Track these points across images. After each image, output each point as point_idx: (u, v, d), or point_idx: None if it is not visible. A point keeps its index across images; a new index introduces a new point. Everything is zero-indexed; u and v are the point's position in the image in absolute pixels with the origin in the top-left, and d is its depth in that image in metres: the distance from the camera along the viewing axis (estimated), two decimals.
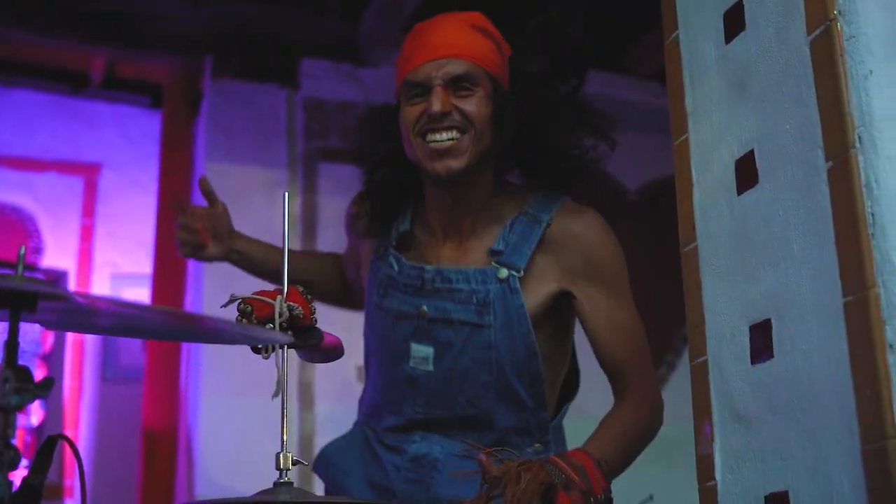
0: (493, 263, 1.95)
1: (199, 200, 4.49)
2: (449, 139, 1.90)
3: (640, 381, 2.06)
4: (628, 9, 4.94)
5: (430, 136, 1.91)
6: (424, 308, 1.98)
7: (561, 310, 2.00)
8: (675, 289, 5.13)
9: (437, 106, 1.88)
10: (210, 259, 2.25)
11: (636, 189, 5.05)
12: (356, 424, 2.16)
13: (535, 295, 1.95)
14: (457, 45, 1.97)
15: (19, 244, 3.67)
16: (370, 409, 2.10)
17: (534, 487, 1.56)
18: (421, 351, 1.97)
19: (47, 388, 1.05)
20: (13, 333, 1.05)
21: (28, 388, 1.03)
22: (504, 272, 1.93)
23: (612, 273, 2.03)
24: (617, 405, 2.05)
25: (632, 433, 2.03)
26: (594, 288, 1.99)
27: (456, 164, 1.90)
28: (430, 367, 1.96)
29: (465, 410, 1.95)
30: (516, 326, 1.92)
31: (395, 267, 2.03)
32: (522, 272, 1.94)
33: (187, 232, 2.20)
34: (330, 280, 2.36)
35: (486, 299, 1.93)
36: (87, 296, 1.05)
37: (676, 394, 4.76)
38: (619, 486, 4.71)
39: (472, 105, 1.92)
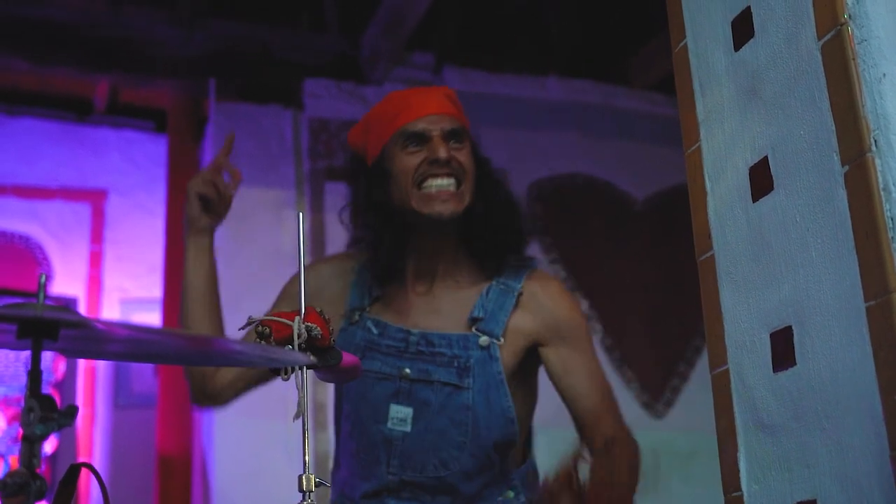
0: (473, 330, 2.05)
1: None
2: (449, 185, 2.01)
3: (619, 430, 2.12)
4: (628, 19, 4.96)
5: (432, 181, 2.01)
6: (407, 370, 2.04)
7: (528, 366, 2.10)
8: (684, 299, 5.17)
9: (442, 153, 2.00)
10: (203, 226, 2.13)
11: (644, 199, 5.05)
12: (336, 481, 2.16)
13: (509, 354, 2.04)
14: (444, 105, 2.10)
15: (29, 272, 3.67)
16: (344, 480, 2.12)
17: None
18: (400, 412, 2.03)
19: (71, 417, 1.04)
20: (35, 362, 1.04)
21: (52, 417, 1.02)
22: (485, 340, 2.03)
23: (579, 332, 2.12)
24: (609, 455, 1.97)
25: (628, 495, 1.97)
26: (566, 347, 2.08)
27: (456, 207, 2.02)
28: (408, 428, 2.02)
29: (437, 472, 2.00)
30: (494, 392, 2.01)
31: (376, 330, 2.09)
32: (502, 340, 2.04)
33: (211, 186, 2.12)
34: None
35: (466, 364, 2.02)
36: (106, 322, 1.05)
37: (689, 405, 4.78)
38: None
39: (465, 157, 2.06)
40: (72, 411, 1.04)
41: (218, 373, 2.14)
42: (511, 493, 2.05)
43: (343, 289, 2.17)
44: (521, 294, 2.08)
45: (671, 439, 4.68)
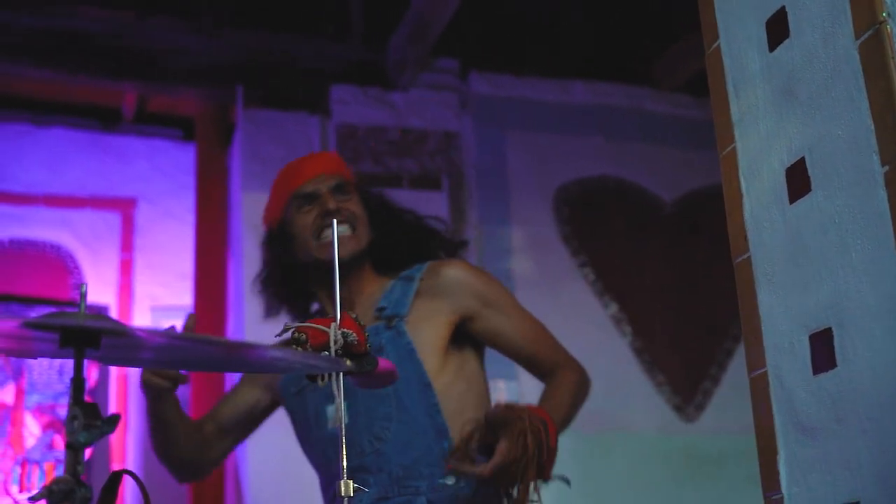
0: (380, 320, 2.25)
1: (236, 230, 4.50)
2: (345, 231, 2.29)
3: (561, 357, 2.33)
4: (653, 21, 4.94)
5: (328, 232, 2.28)
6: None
7: (460, 343, 2.29)
8: (715, 301, 5.13)
9: (332, 204, 2.29)
10: (151, 386, 2.24)
11: (672, 202, 5.03)
12: None
13: (427, 335, 2.23)
14: (328, 166, 2.42)
15: (61, 281, 3.70)
16: (321, 484, 2.32)
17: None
18: (333, 410, 2.21)
19: (114, 424, 1.05)
20: (78, 371, 1.05)
21: (96, 425, 1.03)
22: (391, 321, 2.24)
23: (495, 293, 2.32)
24: (554, 377, 2.30)
25: (576, 395, 2.31)
26: (491, 311, 2.28)
27: (355, 248, 2.29)
28: (347, 420, 2.18)
29: (374, 446, 2.16)
30: (407, 362, 2.18)
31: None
32: (406, 315, 2.24)
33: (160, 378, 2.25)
34: (190, 441, 2.38)
35: (379, 345, 2.19)
36: (146, 330, 1.05)
37: (721, 408, 4.76)
38: (660, 498, 4.65)
39: (354, 206, 2.35)
40: (115, 419, 1.05)
41: (212, 447, 2.38)
42: (452, 478, 2.15)
43: None
44: (421, 280, 2.29)
45: (702, 442, 4.66)
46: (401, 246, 2.42)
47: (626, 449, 4.62)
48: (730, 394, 4.70)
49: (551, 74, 5.05)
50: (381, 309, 2.28)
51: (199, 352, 1.22)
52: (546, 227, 4.78)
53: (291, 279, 2.40)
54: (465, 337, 2.30)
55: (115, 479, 1.18)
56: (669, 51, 5.07)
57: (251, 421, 2.45)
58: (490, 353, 2.40)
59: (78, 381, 1.04)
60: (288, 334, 1.46)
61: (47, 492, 1.01)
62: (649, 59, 5.17)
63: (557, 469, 4.46)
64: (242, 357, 1.37)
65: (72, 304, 5.07)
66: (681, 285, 4.88)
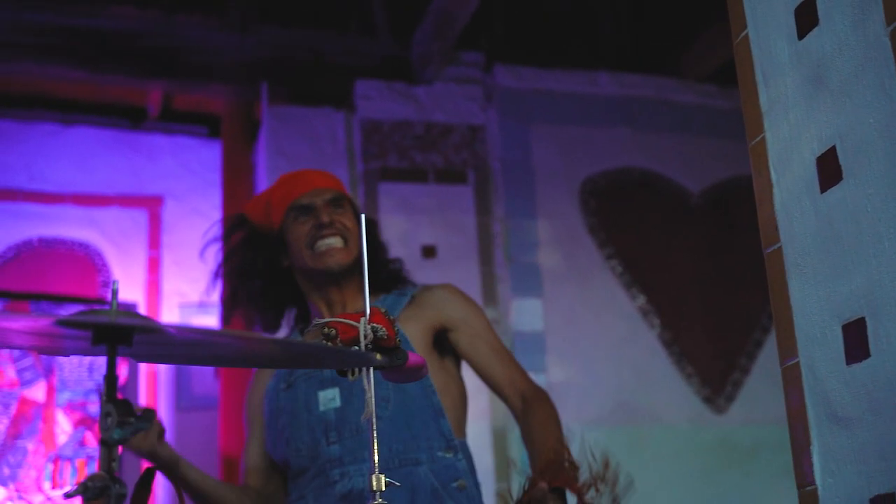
0: None
1: None
2: (336, 242, 2.40)
3: (530, 386, 2.39)
4: (681, 11, 4.92)
5: (321, 242, 2.40)
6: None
7: (437, 351, 2.42)
8: (743, 292, 5.10)
9: (326, 217, 2.41)
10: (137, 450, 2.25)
11: (700, 193, 5.00)
12: None
13: (416, 330, 2.36)
14: (325, 181, 2.54)
15: (89, 279, 3.72)
16: (295, 478, 2.35)
17: None
18: (328, 394, 2.33)
19: (149, 421, 1.05)
20: (111, 368, 1.05)
21: (130, 422, 1.03)
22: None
23: (476, 316, 2.46)
24: (532, 416, 2.31)
25: (558, 428, 2.31)
26: (470, 329, 2.42)
27: (344, 258, 2.39)
28: (339, 403, 2.32)
29: (370, 426, 2.16)
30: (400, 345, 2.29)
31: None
32: (397, 317, 2.34)
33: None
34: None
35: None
36: (177, 327, 1.06)
37: (750, 398, 4.73)
38: (691, 490, 4.63)
39: (347, 219, 2.45)
40: (149, 415, 1.05)
41: (272, 495, 2.44)
42: (451, 453, 2.30)
43: (266, 378, 2.49)
44: (413, 296, 2.45)
45: (733, 433, 4.64)
46: (384, 267, 2.57)
47: (656, 441, 4.60)
48: (760, 385, 4.67)
49: (577, 66, 5.03)
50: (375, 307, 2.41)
51: (229, 348, 1.22)
52: (572, 220, 4.77)
53: (279, 284, 2.51)
54: (445, 347, 2.44)
55: (149, 475, 1.19)
56: (697, 41, 5.04)
57: None
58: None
59: (111, 378, 1.05)
60: (318, 329, 1.46)
61: (83, 488, 1.01)
62: (677, 49, 5.14)
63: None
64: (273, 352, 1.37)
65: (101, 301, 5.10)
66: (709, 276, 4.85)
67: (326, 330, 1.44)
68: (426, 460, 2.26)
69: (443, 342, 2.43)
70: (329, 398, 2.32)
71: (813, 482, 1.40)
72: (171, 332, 1.10)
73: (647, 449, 4.57)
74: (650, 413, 4.61)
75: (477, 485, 2.35)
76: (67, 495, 1.03)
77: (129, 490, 1.20)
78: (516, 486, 2.00)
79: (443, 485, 2.25)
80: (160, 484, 4.70)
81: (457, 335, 2.42)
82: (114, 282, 1.04)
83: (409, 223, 4.53)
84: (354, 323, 1.44)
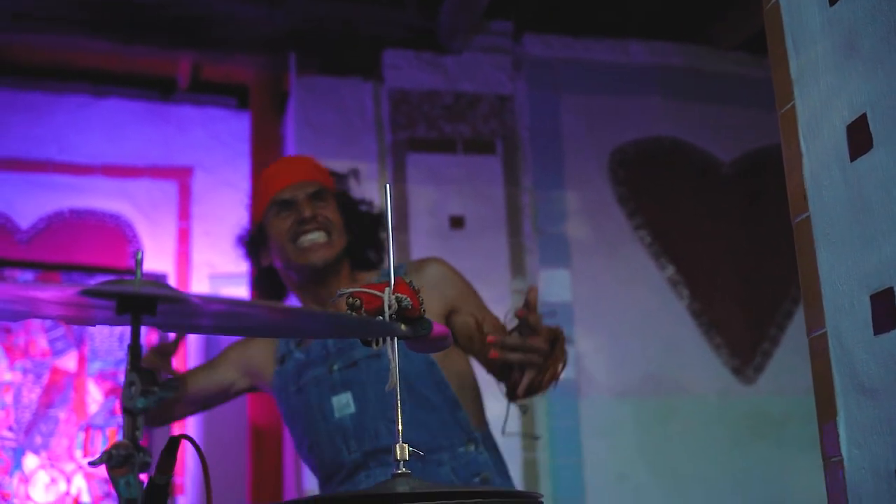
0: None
1: None
2: (319, 237, 2.38)
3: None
4: None
5: (303, 238, 2.38)
6: (335, 366, 2.35)
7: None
8: (773, 262, 5.07)
9: (307, 211, 2.38)
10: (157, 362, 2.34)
11: (730, 162, 4.96)
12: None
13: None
14: (307, 172, 2.50)
15: (120, 250, 3.74)
16: (319, 477, 2.39)
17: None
18: (341, 399, 2.31)
19: (172, 389, 1.06)
20: (135, 337, 1.06)
21: (153, 391, 1.04)
22: None
23: (472, 292, 2.42)
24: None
25: None
26: (469, 306, 2.38)
27: (328, 253, 2.38)
28: (353, 409, 2.30)
29: (390, 429, 2.25)
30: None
31: (301, 354, 2.41)
32: None
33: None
34: (222, 392, 2.51)
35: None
36: (202, 297, 1.06)
37: (780, 368, 4.70)
38: (721, 462, 4.63)
39: (330, 212, 2.44)
40: (172, 384, 1.06)
41: (173, 409, 2.47)
42: (472, 446, 2.29)
43: (269, 350, 2.48)
44: (405, 276, 2.41)
45: (762, 404, 4.62)
46: (375, 245, 2.56)
47: (685, 412, 4.59)
48: (789, 355, 4.65)
49: (608, 35, 4.99)
50: None
51: (257, 318, 1.23)
52: (601, 190, 4.75)
53: (269, 279, 2.53)
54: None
55: (174, 443, 1.19)
56: (729, 8, 4.98)
57: (221, 398, 2.52)
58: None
59: (135, 348, 1.06)
60: (342, 299, 1.46)
61: (107, 456, 1.02)
62: (709, 17, 5.08)
63: (619, 432, 4.45)
64: (299, 322, 1.37)
65: (131, 272, 5.14)
66: (739, 246, 4.82)
67: (350, 300, 1.44)
68: (448, 459, 2.26)
69: (450, 323, 2.38)
70: (343, 403, 2.31)
71: (839, 453, 1.39)
72: (195, 301, 1.10)
73: (675, 420, 4.56)
74: (679, 384, 4.59)
75: (504, 474, 2.34)
76: (92, 463, 1.04)
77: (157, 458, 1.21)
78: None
79: (464, 481, 2.24)
80: (189, 453, 4.75)
81: (458, 317, 2.37)
82: (138, 251, 1.04)
83: (438, 193, 4.52)
84: (379, 293, 1.43)
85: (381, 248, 2.58)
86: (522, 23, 4.90)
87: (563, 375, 2.15)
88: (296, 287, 2.48)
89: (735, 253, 4.81)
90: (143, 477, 1.14)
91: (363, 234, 2.54)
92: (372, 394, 2.29)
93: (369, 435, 2.27)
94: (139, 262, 1.05)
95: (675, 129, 4.94)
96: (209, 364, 2.53)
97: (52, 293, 1.09)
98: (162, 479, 1.19)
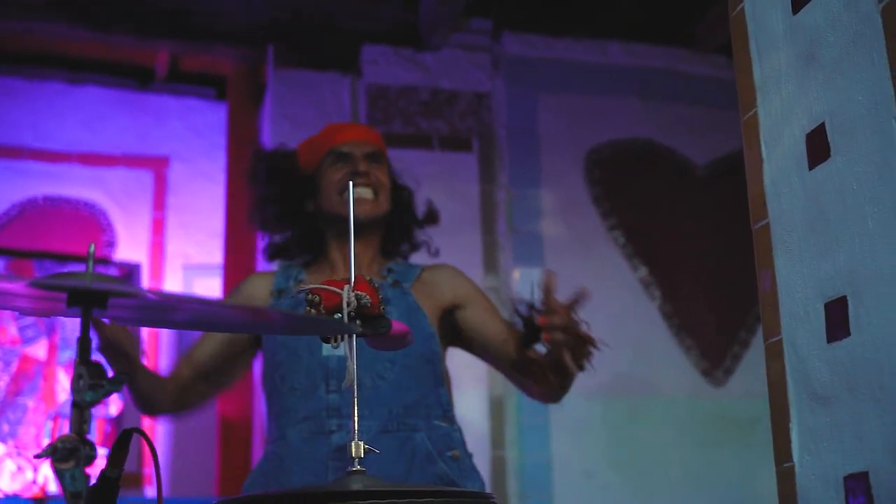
0: (386, 278, 2.41)
1: None
2: (367, 193, 2.41)
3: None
4: None
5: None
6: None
7: (441, 335, 2.43)
8: (745, 266, 5.06)
9: (362, 166, 2.42)
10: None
11: (705, 165, 4.98)
12: (266, 453, 2.37)
13: (427, 301, 2.39)
14: (368, 135, 2.56)
15: (94, 239, 3.72)
16: (279, 416, 2.32)
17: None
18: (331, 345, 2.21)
19: (120, 384, 1.06)
20: (85, 331, 1.06)
21: (101, 384, 1.04)
22: (396, 282, 2.41)
23: (482, 294, 2.50)
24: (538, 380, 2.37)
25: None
26: (476, 304, 2.45)
27: (372, 210, 2.41)
28: (342, 352, 2.15)
29: (374, 382, 2.25)
30: (413, 313, 2.34)
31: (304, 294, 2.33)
32: (410, 286, 2.41)
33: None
34: (162, 393, 2.40)
35: (385, 297, 2.18)
36: (159, 293, 1.06)
37: (750, 372, 4.73)
38: (688, 463, 4.65)
39: (383, 174, 2.48)
40: (120, 379, 1.06)
41: (189, 393, 2.40)
42: (447, 423, 2.33)
43: (267, 284, 2.47)
44: (421, 273, 2.46)
45: (730, 407, 4.65)
46: (407, 231, 2.59)
47: (654, 413, 4.61)
48: (759, 359, 4.59)
49: (587, 35, 5.00)
50: (389, 270, 2.46)
51: (209, 314, 1.22)
52: (577, 190, 4.76)
53: (308, 225, 2.51)
54: (444, 328, 2.45)
55: (126, 436, 1.19)
56: (709, 12, 5.00)
57: (230, 363, 2.45)
58: None
59: (84, 341, 1.05)
60: (302, 294, 1.46)
61: (52, 450, 1.02)
62: (688, 20, 5.09)
63: (588, 431, 4.46)
64: (259, 319, 1.38)
65: (105, 261, 5.12)
66: (711, 249, 4.84)
67: (310, 296, 1.44)
68: (424, 427, 2.28)
69: (445, 322, 2.44)
70: (333, 345, 2.29)
71: (791, 459, 1.41)
72: (150, 297, 1.10)
73: (644, 420, 4.58)
74: (649, 385, 4.61)
75: (469, 457, 2.37)
76: (37, 456, 1.04)
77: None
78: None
79: (438, 452, 2.27)
80: (156, 443, 4.74)
81: (466, 311, 2.43)
82: (90, 244, 1.04)
83: (413, 189, 4.51)
84: (338, 290, 1.44)
85: (410, 240, 2.61)
86: (502, 21, 4.90)
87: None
88: (331, 239, 2.48)
89: (708, 256, 4.83)
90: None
91: (403, 216, 2.57)
92: (363, 347, 2.25)
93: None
94: (91, 255, 1.05)
95: (652, 130, 4.96)
96: (206, 333, 2.47)
97: (1, 285, 1.08)
98: (113, 472, 1.19)
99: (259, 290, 2.46)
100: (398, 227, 2.56)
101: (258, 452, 4.42)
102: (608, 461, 4.49)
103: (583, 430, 4.46)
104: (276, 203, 2.54)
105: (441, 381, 2.36)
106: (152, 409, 2.41)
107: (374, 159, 2.48)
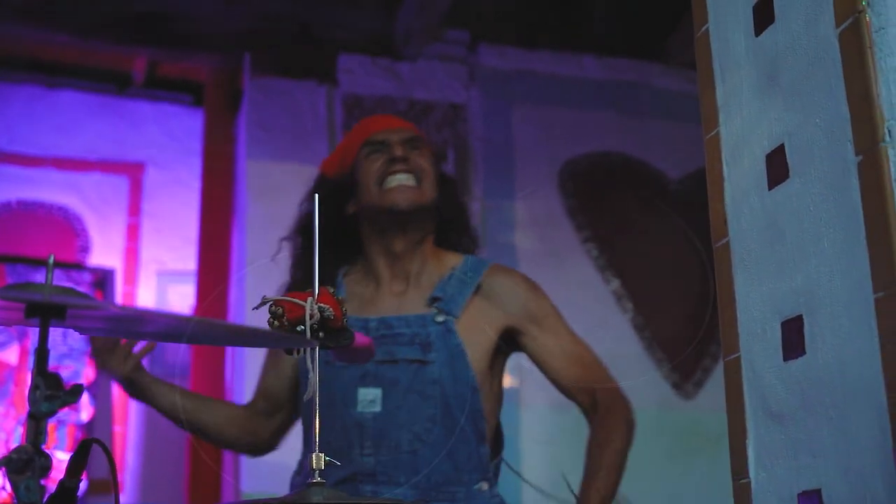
0: (432, 308, 2.20)
1: (241, 197, 4.52)
2: (408, 179, 2.24)
3: (608, 400, 2.23)
4: None
5: (391, 178, 2.24)
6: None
7: (495, 361, 2.25)
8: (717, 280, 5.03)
9: (399, 151, 2.26)
10: (108, 370, 2.16)
11: (679, 179, 5.01)
12: (296, 485, 2.24)
13: (477, 338, 2.18)
14: (404, 123, 2.43)
15: (68, 244, 3.72)
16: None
17: None
18: (368, 394, 2.12)
19: (77, 395, 1.06)
20: (42, 341, 1.06)
21: (58, 395, 1.04)
22: (441, 316, 2.18)
23: (548, 313, 2.29)
24: (596, 430, 2.24)
25: (620, 457, 2.26)
26: (540, 331, 2.24)
27: (416, 198, 2.23)
28: (378, 408, 2.11)
29: (413, 446, 2.09)
30: (457, 362, 2.14)
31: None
32: (458, 317, 2.19)
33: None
34: (234, 425, 2.34)
35: (427, 340, 2.14)
36: (118, 306, 1.06)
37: (719, 386, 4.73)
38: (656, 475, 4.67)
39: (423, 159, 2.30)
40: (77, 390, 1.06)
41: (260, 425, 2.33)
42: (486, 485, 2.16)
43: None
44: (480, 285, 2.24)
45: (700, 419, 4.67)
46: (461, 222, 2.43)
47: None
48: None
49: (563, 48, 5.02)
50: (435, 299, 2.22)
51: (169, 326, 1.23)
52: (551, 202, 4.78)
53: (342, 230, 2.33)
54: (505, 347, 2.28)
55: (85, 446, 1.20)
56: (684, 25, 5.03)
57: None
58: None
59: (42, 352, 1.06)
60: (265, 307, 1.47)
61: (6, 461, 1.02)
62: (663, 34, 5.13)
63: (558, 442, 4.47)
64: (216, 331, 1.38)
65: (79, 266, 5.10)
66: (683, 262, 4.86)
67: (273, 308, 1.45)
68: (463, 496, 2.12)
69: (507, 341, 2.25)
70: (369, 399, 2.12)
71: (747, 475, 1.42)
72: (111, 311, 1.11)
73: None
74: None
75: None
76: None
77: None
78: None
79: None
80: (125, 450, 4.73)
81: (527, 339, 2.24)
82: (50, 255, 1.04)
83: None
84: (301, 302, 1.44)
85: (465, 231, 2.44)
86: (478, 33, 4.92)
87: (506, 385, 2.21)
88: (373, 237, 2.30)
89: (679, 269, 4.85)
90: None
91: (450, 205, 2.40)
92: (404, 401, 2.12)
93: (388, 442, 2.09)
94: (50, 267, 1.06)
95: (625, 143, 4.98)
96: (272, 363, 2.35)
97: None
98: (71, 481, 1.20)
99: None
100: (450, 218, 2.38)
101: (229, 461, 4.41)
102: (578, 472, 4.50)
103: (554, 441, 4.48)
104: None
105: (483, 438, 2.16)
106: (220, 439, 2.31)
107: (413, 144, 2.32)
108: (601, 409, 2.21)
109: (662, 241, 4.88)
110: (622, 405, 2.24)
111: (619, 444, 2.22)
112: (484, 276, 2.26)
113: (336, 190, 2.32)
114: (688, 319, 4.79)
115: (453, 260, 2.32)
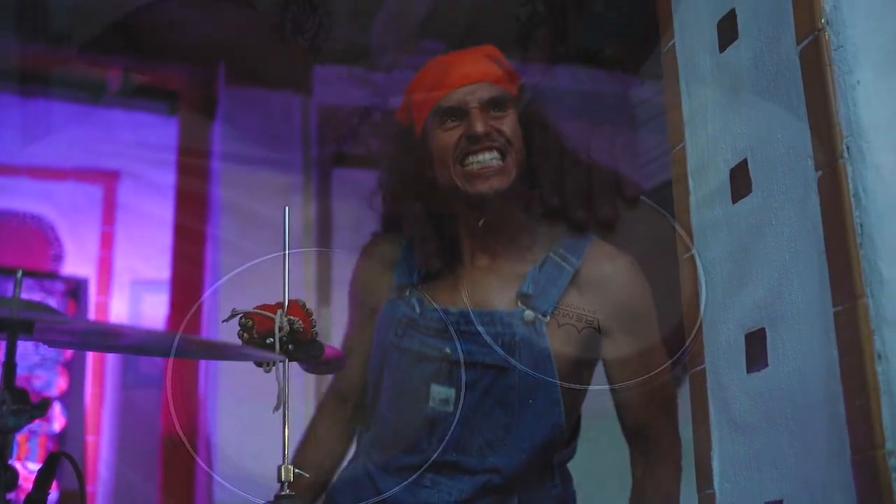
0: (519, 305, 1.91)
1: (215, 210, 4.51)
2: (492, 159, 1.88)
3: (667, 444, 1.98)
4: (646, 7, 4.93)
5: (472, 158, 1.89)
6: (448, 351, 1.91)
7: (585, 356, 1.95)
8: None
9: (479, 127, 1.87)
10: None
11: (650, 191, 5.03)
12: (356, 458, 2.08)
13: (558, 333, 1.90)
14: (483, 72, 1.97)
15: (41, 252, 3.69)
16: (377, 443, 2.02)
17: None
18: (441, 392, 1.91)
19: (44, 409, 1.07)
20: (10, 355, 1.07)
21: (25, 409, 1.05)
22: (530, 315, 1.90)
23: (641, 321, 2.01)
24: (649, 473, 2.00)
25: (676, 487, 1.95)
26: (623, 337, 1.96)
27: (500, 183, 1.88)
28: (450, 408, 1.90)
29: (482, 453, 1.90)
30: (542, 370, 1.88)
31: (417, 309, 1.97)
32: (549, 317, 1.90)
33: None
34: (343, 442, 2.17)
35: (511, 342, 1.90)
36: (85, 322, 1.07)
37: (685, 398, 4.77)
38: (628, 484, 4.70)
39: (509, 126, 1.91)
40: (45, 404, 1.07)
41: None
42: (560, 489, 2.01)
43: (386, 273, 2.05)
44: (578, 272, 1.93)
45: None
46: (560, 189, 2.10)
47: (597, 433, 4.64)
48: None
49: (536, 59, 5.04)
50: (524, 296, 1.93)
51: (136, 340, 1.24)
52: None
53: (423, 204, 2.00)
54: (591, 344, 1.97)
55: (52, 460, 1.20)
56: (658, 38, 5.06)
57: None
58: None
59: (9, 366, 1.06)
60: (235, 319, 1.48)
61: None
62: (638, 46, 5.16)
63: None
64: (181, 345, 1.38)
65: (52, 275, 5.08)
66: (658, 273, 4.89)
67: (243, 320, 1.46)
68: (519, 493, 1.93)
69: (589, 340, 1.95)
70: (442, 398, 1.91)
71: (712, 486, 1.44)
72: (76, 326, 1.12)
73: (587, 441, 4.60)
74: (593, 406, 4.64)
75: None
76: None
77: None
78: None
79: None
80: (97, 459, 4.71)
81: (607, 343, 1.95)
82: (18, 270, 1.05)
83: (362, 209, 4.53)
84: (271, 315, 1.45)
85: (564, 193, 2.11)
86: (453, 42, 4.93)
87: None
88: (459, 209, 1.96)
89: (655, 280, 4.88)
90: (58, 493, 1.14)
91: (546, 165, 2.05)
92: (477, 406, 1.91)
93: (457, 445, 1.90)
94: (18, 282, 1.06)
95: (599, 154, 5.00)
96: (358, 325, 2.12)
97: None
98: (38, 494, 1.20)
99: (380, 285, 2.05)
100: (542, 186, 2.01)
101: (201, 470, 4.40)
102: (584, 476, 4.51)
103: None
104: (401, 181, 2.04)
105: (556, 448, 1.97)
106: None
107: (496, 106, 1.92)
108: (661, 451, 1.98)
109: (638, 252, 4.90)
110: (678, 450, 1.96)
111: (676, 491, 1.95)
112: (583, 260, 1.95)
113: (413, 147, 1.99)
114: (662, 329, 4.82)
115: (550, 234, 2.00)
